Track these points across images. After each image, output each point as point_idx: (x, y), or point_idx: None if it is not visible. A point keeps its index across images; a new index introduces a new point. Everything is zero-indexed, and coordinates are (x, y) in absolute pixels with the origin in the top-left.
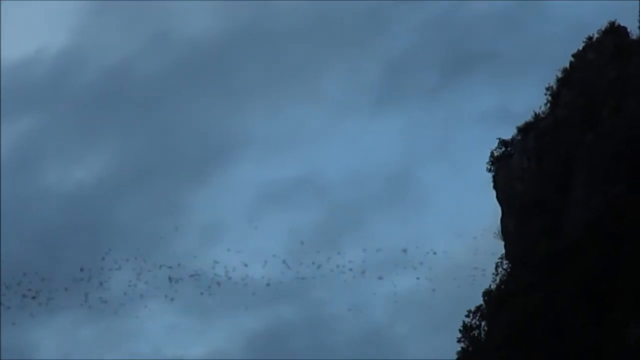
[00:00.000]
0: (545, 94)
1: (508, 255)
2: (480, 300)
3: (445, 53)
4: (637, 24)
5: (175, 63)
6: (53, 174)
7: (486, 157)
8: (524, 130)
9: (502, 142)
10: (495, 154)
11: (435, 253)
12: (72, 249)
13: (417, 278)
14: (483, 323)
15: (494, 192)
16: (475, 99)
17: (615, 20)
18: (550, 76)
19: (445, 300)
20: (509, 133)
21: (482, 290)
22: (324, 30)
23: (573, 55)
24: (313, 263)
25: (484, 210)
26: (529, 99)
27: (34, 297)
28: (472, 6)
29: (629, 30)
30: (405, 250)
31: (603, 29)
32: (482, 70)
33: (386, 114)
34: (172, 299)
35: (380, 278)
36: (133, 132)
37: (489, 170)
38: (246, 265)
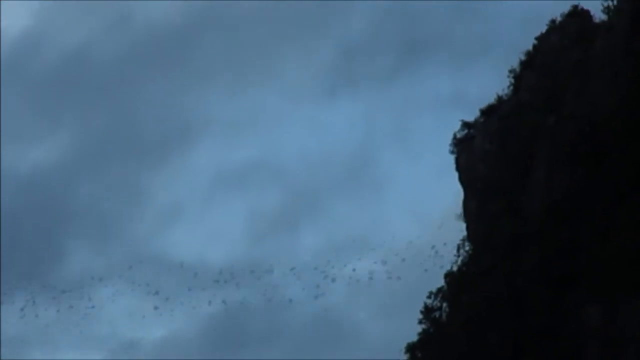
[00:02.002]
0: (508, 77)
1: (470, 236)
2: (441, 282)
3: (400, 37)
4: (601, 8)
5: (135, 46)
6: (10, 155)
7: (444, 141)
8: (487, 112)
9: (465, 125)
10: (458, 136)
11: (394, 236)
12: (29, 230)
13: (375, 262)
14: (444, 304)
15: (456, 175)
16: (431, 83)
17: (579, 3)
18: (506, 60)
19: (405, 283)
20: (464, 117)
21: (443, 272)
22: (282, 14)
23: (536, 38)
24: (271, 246)
25: (444, 193)
26: (485, 83)
27: None
28: None
29: (592, 13)
30: (364, 234)
31: (566, 12)
32: (437, 55)
33: (343, 98)
34: (130, 282)
35: (339, 261)
36: (92, 114)
37: (452, 152)
38: (204, 247)
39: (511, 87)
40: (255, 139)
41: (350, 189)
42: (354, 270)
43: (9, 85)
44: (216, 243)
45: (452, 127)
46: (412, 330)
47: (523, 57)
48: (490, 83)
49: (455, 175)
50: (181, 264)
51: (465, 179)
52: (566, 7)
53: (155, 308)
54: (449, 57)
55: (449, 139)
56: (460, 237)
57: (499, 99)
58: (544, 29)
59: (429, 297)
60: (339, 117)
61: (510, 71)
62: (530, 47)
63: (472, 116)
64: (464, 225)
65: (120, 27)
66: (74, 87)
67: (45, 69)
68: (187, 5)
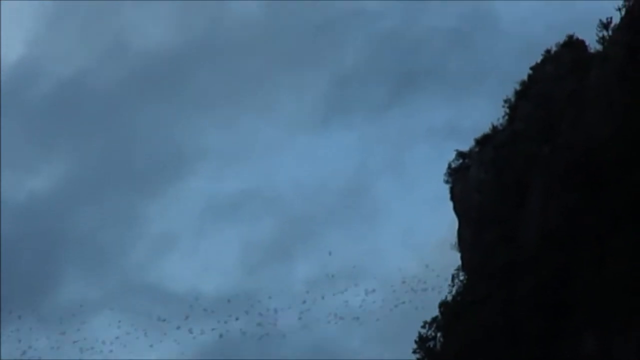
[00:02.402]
0: (503, 106)
1: (464, 266)
2: (436, 312)
3: (395, 68)
4: (596, 38)
5: (131, 75)
6: (6, 184)
7: (438, 171)
8: (482, 142)
9: (460, 154)
10: (453, 165)
11: (388, 266)
12: (24, 258)
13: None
14: (439, 334)
15: (450, 204)
16: (424, 114)
17: (574, 33)
18: (499, 91)
19: (400, 313)
20: (458, 147)
21: (438, 302)
22: (276, 44)
23: (531, 68)
24: (265, 276)
25: (438, 223)
26: (478, 114)
27: None
28: (422, 22)
29: (587, 43)
30: (358, 264)
31: (561, 42)
32: (431, 86)
33: (337, 128)
34: (124, 311)
35: (333, 290)
36: (88, 143)
37: (446, 182)
38: (198, 277)
39: (506, 117)
40: (249, 169)
41: (345, 219)
42: (347, 300)
43: (5, 114)
44: (210, 272)
45: (446, 157)
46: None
47: (518, 87)
48: (484, 113)
49: (450, 204)
50: (175, 293)
51: (460, 209)
52: (561, 38)
53: (149, 337)
54: (443, 87)
55: (443, 169)
56: (455, 267)
57: (494, 128)
58: (538, 59)
59: (423, 326)
60: (333, 147)
61: (505, 101)
62: (525, 77)
63: (466, 146)
64: (458, 255)
65: (116, 56)
66: (70, 115)
67: (42, 97)
68: (182, 35)
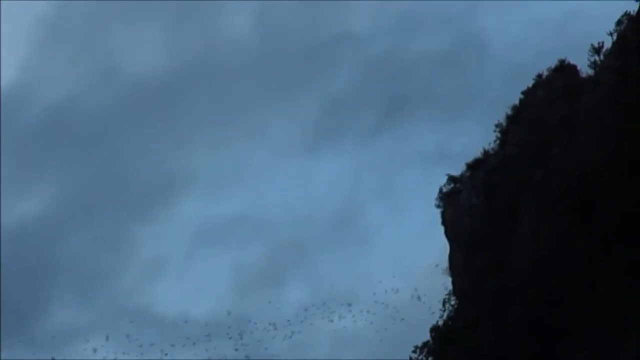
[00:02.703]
0: (495, 131)
1: (456, 290)
2: (427, 336)
3: (384, 93)
4: (587, 63)
5: (121, 100)
6: None
7: (429, 196)
8: (473, 166)
9: (451, 179)
10: (444, 190)
11: (379, 291)
12: (14, 283)
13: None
14: (430, 358)
15: (442, 228)
16: (415, 138)
17: (565, 58)
18: (490, 116)
19: (391, 338)
20: (448, 171)
21: (429, 326)
22: (267, 69)
23: (523, 93)
24: (255, 300)
25: (429, 248)
26: (469, 138)
27: None
28: (412, 47)
29: (578, 68)
30: (349, 288)
31: (553, 67)
32: (421, 110)
33: (328, 153)
34: (114, 335)
35: (324, 315)
36: (78, 168)
37: (438, 206)
38: (188, 301)
39: (498, 141)
40: (239, 193)
41: (336, 243)
42: (338, 324)
43: None
44: (200, 297)
45: (437, 182)
46: None
47: (509, 112)
48: (474, 138)
49: (441, 229)
50: (164, 318)
51: (451, 233)
52: (551, 62)
53: None
54: (433, 111)
55: (433, 194)
56: (446, 291)
57: (486, 152)
58: (529, 83)
59: (414, 351)
60: (324, 171)
61: (496, 125)
62: (515, 102)
63: (456, 171)
64: (449, 279)
65: (107, 80)
66: (60, 140)
67: (32, 122)
68: (173, 60)
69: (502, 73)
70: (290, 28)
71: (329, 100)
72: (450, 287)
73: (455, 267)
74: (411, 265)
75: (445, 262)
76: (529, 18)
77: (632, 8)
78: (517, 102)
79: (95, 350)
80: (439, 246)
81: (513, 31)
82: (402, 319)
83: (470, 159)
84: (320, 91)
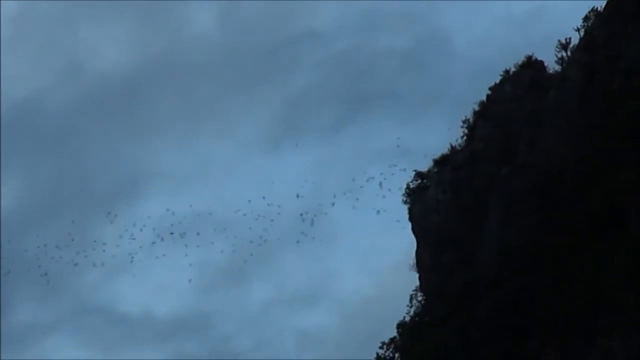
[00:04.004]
0: (462, 127)
1: (422, 287)
2: (393, 333)
3: (348, 90)
4: (554, 58)
5: (86, 96)
6: None
7: (394, 192)
8: (440, 162)
9: (418, 174)
10: (411, 186)
11: (345, 288)
12: None
13: (325, 314)
14: (397, 355)
15: (409, 225)
16: (378, 136)
17: (533, 54)
18: (453, 113)
19: (357, 334)
20: (413, 168)
21: (396, 322)
22: (231, 66)
23: (490, 89)
24: (219, 299)
25: (396, 244)
26: (432, 136)
27: None
28: (374, 44)
29: (546, 64)
30: (314, 286)
31: (520, 62)
32: (385, 108)
33: (291, 150)
34: (76, 334)
35: (289, 314)
36: (41, 165)
37: (405, 202)
38: (152, 299)
39: (464, 137)
40: (203, 191)
41: (300, 242)
42: (303, 322)
43: None
44: (164, 295)
45: (401, 179)
46: None
47: (476, 107)
48: (438, 135)
49: (408, 225)
50: (128, 316)
51: (418, 229)
52: (514, 60)
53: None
54: (397, 109)
55: (398, 190)
56: (413, 288)
57: (453, 148)
58: (494, 80)
59: (381, 347)
60: (288, 169)
61: (463, 121)
62: (481, 99)
63: (420, 167)
64: (416, 276)
65: (71, 77)
66: (22, 137)
67: None
68: (137, 57)
69: (466, 71)
70: (254, 26)
71: (293, 97)
72: (417, 283)
73: (422, 263)
74: (377, 262)
75: (411, 259)
76: (494, 16)
77: (600, 4)
78: (483, 98)
79: (58, 349)
80: (405, 243)
81: (477, 29)
82: (368, 316)
83: (434, 155)
84: (284, 88)
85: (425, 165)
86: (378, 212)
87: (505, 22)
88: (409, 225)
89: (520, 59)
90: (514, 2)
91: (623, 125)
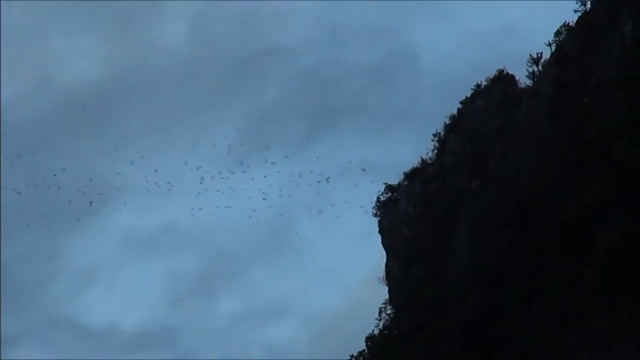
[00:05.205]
0: (433, 140)
1: (392, 300)
2: (362, 346)
3: (316, 105)
4: (526, 73)
5: (54, 109)
6: None
7: (362, 207)
8: (411, 176)
9: (389, 187)
10: (382, 199)
11: (314, 301)
12: None
13: (294, 327)
14: None
15: (378, 238)
16: (346, 150)
17: (504, 68)
18: (421, 128)
19: (325, 348)
20: (381, 182)
21: (365, 335)
22: (200, 80)
23: (461, 102)
24: (187, 311)
25: (365, 258)
26: (400, 151)
27: None
28: (343, 59)
29: (517, 78)
30: (283, 300)
31: (491, 77)
32: (353, 122)
33: (260, 164)
34: (42, 345)
35: (258, 326)
36: (9, 176)
37: (375, 215)
38: (119, 312)
39: (435, 151)
40: (171, 203)
41: (269, 255)
42: (271, 335)
43: None
44: (132, 307)
45: (370, 193)
46: None
47: (447, 121)
48: (406, 150)
49: (378, 238)
50: (93, 329)
51: (388, 242)
52: (485, 76)
53: None
54: (365, 124)
55: (367, 204)
56: (382, 301)
57: (423, 162)
58: (462, 97)
59: None
60: (256, 183)
61: (434, 135)
62: (449, 114)
63: (389, 181)
64: (386, 289)
65: (40, 90)
66: None
67: None
68: (107, 70)
69: (435, 86)
70: (224, 39)
71: (261, 111)
72: (386, 296)
73: (392, 276)
74: (346, 276)
75: (381, 272)
76: (464, 32)
77: (571, 19)
78: (454, 112)
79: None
80: (375, 256)
81: (447, 45)
82: (337, 329)
83: (402, 169)
84: (253, 102)
85: (394, 179)
86: (347, 225)
87: (476, 38)
88: (379, 238)
89: (491, 74)
90: (484, 18)
91: (594, 140)
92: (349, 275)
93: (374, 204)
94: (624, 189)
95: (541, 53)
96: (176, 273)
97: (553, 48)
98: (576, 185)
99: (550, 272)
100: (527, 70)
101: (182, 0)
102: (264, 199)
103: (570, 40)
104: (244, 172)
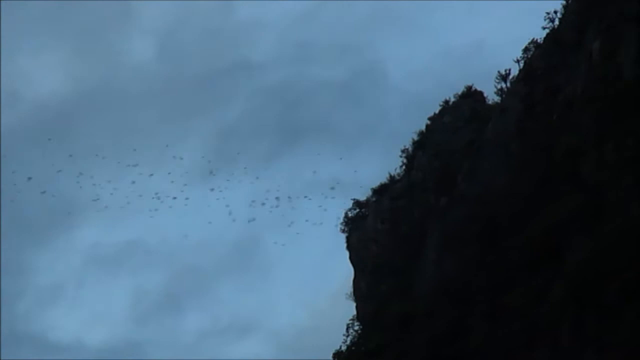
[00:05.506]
0: (401, 156)
1: (359, 316)
2: None
3: (283, 121)
4: (494, 90)
5: (21, 124)
6: None
7: (331, 222)
8: (379, 192)
9: (357, 204)
10: (350, 215)
11: (281, 317)
12: None
13: (262, 344)
14: None
15: (346, 254)
16: (312, 166)
17: (472, 84)
18: (388, 145)
19: None
20: (348, 199)
21: (332, 351)
22: (168, 95)
23: (429, 118)
24: (153, 327)
25: (333, 274)
26: (367, 167)
27: None
28: (310, 75)
29: (485, 95)
30: (251, 316)
31: (460, 93)
32: (319, 139)
33: (226, 180)
34: None
35: (225, 343)
36: None
37: (343, 231)
38: (85, 328)
39: (403, 167)
40: (138, 220)
41: (236, 271)
42: (238, 351)
43: None
44: (97, 323)
45: (336, 209)
46: None
47: (416, 137)
48: (372, 167)
49: (346, 254)
50: (59, 345)
51: (356, 259)
52: (453, 92)
53: None
54: (332, 140)
55: (333, 221)
56: (350, 317)
57: (392, 178)
58: (430, 114)
59: None
60: (223, 199)
61: (402, 151)
62: (417, 130)
63: (356, 197)
64: (353, 305)
65: (7, 105)
66: None
67: None
68: (74, 86)
69: (402, 103)
70: (191, 56)
71: (228, 127)
72: (354, 312)
73: (359, 292)
74: (314, 292)
75: (349, 288)
76: (432, 49)
77: (540, 35)
78: (422, 128)
79: None
80: (343, 272)
81: (414, 62)
82: (305, 345)
83: (369, 186)
84: (220, 118)
85: (361, 196)
86: (315, 241)
87: (444, 55)
88: (347, 254)
89: (459, 90)
90: (453, 35)
91: (561, 158)
92: (317, 291)
93: (341, 220)
94: (591, 206)
95: (509, 70)
96: (142, 289)
97: (521, 65)
98: (544, 202)
99: (517, 288)
100: (496, 86)
101: (151, 16)
102: (230, 215)
103: (538, 57)
104: (211, 189)
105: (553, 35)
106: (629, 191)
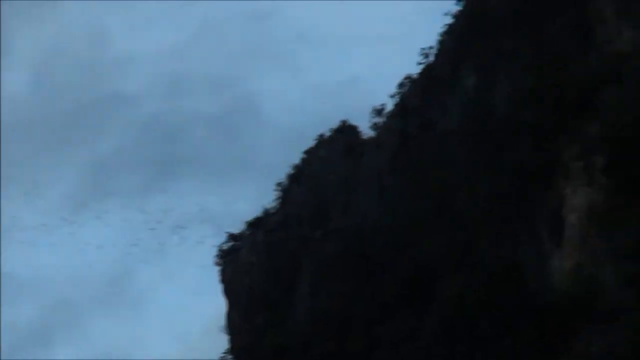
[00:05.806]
0: (276, 190)
1: (233, 349)
2: None
3: (156, 154)
4: (369, 124)
5: None
6: None
7: (204, 255)
8: (253, 225)
9: (231, 237)
10: (224, 247)
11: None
12: None
13: None
14: None
15: (220, 287)
16: (185, 200)
17: (347, 119)
18: (262, 179)
19: None
20: (220, 233)
21: None
22: (41, 127)
23: (305, 152)
24: None
25: (206, 307)
26: (239, 201)
27: None
28: (183, 108)
29: (360, 129)
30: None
31: (335, 127)
32: (192, 172)
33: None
34: None
35: None
36: None
37: (217, 264)
38: None
39: (279, 200)
40: (7, 252)
41: (108, 305)
42: None
43: None
44: None
45: (209, 242)
46: None
47: (291, 170)
48: (245, 200)
49: (220, 287)
50: None
51: (229, 291)
52: (327, 127)
53: None
54: (204, 174)
55: (206, 254)
56: (223, 350)
57: (266, 211)
58: (304, 148)
59: None
60: (95, 232)
61: (277, 184)
62: (292, 164)
63: (229, 231)
64: (227, 338)
65: None
66: None
67: None
68: None
69: (276, 137)
70: (65, 87)
71: (101, 159)
72: (227, 345)
73: (233, 325)
74: (186, 325)
75: (222, 321)
76: (307, 83)
77: (415, 70)
78: (298, 161)
79: None
80: (216, 305)
81: (288, 96)
82: None
83: (242, 219)
84: (92, 150)
85: (235, 229)
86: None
87: (319, 90)
88: (221, 287)
89: (334, 125)
90: (328, 70)
91: (435, 192)
92: (190, 325)
93: (216, 253)
94: (463, 241)
95: (384, 104)
96: (12, 322)
97: (396, 100)
98: (417, 237)
99: (391, 321)
100: (370, 121)
101: (24, 48)
102: (102, 248)
103: (413, 92)
104: (83, 223)
105: (428, 71)
106: (500, 227)
